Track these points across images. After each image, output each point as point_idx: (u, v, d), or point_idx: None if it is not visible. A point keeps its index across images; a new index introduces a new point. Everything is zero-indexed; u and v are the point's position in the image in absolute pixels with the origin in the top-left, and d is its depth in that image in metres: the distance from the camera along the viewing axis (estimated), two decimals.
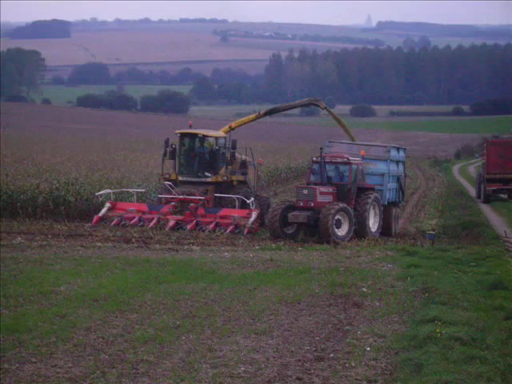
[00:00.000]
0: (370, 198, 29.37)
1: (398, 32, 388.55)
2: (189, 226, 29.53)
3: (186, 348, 13.44)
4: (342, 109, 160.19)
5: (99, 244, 25.45)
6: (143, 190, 34.42)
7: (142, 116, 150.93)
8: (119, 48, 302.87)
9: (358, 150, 31.33)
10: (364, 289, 18.89)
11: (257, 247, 26.29)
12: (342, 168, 29.50)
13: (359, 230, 28.81)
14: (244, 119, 37.31)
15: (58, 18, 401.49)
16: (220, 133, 33.45)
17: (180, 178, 32.28)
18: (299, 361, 13.01)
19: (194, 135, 32.52)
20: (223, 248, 25.68)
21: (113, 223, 30.17)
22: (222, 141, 32.84)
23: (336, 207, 27.98)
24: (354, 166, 29.46)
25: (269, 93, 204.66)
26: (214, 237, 28.20)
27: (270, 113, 37.87)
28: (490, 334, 14.25)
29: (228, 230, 29.19)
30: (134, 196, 32.84)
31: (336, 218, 27.98)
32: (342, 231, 28.25)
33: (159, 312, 15.95)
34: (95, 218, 30.62)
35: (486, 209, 42.15)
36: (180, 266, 21.18)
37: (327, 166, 29.60)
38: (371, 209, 29.43)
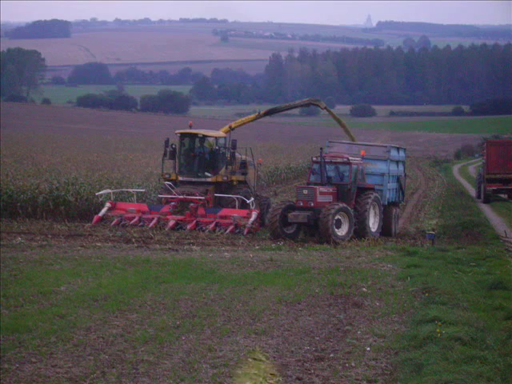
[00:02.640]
0: (369, 198, 29.36)
1: (397, 32, 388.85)
2: (189, 226, 29.52)
3: (186, 348, 13.43)
4: (341, 109, 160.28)
5: (99, 244, 25.43)
6: (143, 190, 34.43)
7: (142, 116, 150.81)
8: (119, 48, 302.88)
9: (358, 150, 31.32)
10: (364, 289, 18.88)
11: (257, 247, 26.26)
12: (342, 168, 29.48)
13: (359, 230, 28.79)
14: (244, 119, 37.34)
15: (58, 17, 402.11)
16: (220, 133, 33.44)
17: (180, 178, 32.29)
18: (299, 361, 13.00)
19: (194, 135, 32.51)
20: (223, 248, 25.65)
21: (113, 223, 30.15)
22: (221, 141, 32.83)
23: (336, 207, 27.96)
24: (354, 166, 29.44)
25: (269, 93, 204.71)
26: (213, 237, 28.18)
27: (269, 113, 37.90)
28: (489, 334, 14.24)
29: (228, 230, 29.17)
30: (134, 196, 32.84)
31: (336, 218, 27.96)
32: (342, 231, 28.23)
33: (159, 312, 15.93)
34: (95, 218, 30.61)
35: (485, 209, 42.13)
36: (180, 266, 21.16)
37: (327, 166, 29.59)
38: (371, 209, 29.42)
